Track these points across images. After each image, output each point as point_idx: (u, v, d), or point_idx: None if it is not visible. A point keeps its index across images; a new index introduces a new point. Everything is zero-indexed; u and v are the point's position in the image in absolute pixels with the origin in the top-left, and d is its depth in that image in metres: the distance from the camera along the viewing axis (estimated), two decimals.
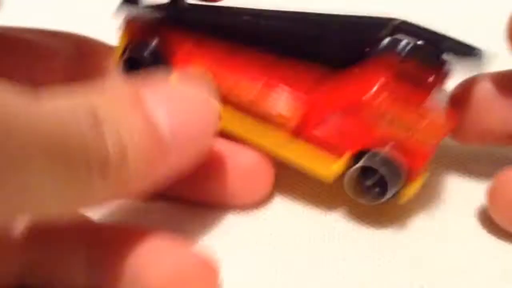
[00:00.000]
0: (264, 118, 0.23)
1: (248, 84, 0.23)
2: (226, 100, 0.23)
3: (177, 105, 0.20)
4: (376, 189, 0.22)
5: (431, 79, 0.22)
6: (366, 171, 0.22)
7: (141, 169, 0.18)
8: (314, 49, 0.23)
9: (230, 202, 0.24)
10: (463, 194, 0.25)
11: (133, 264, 0.20)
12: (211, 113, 0.21)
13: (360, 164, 0.21)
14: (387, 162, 0.21)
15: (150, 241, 0.20)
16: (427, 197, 0.25)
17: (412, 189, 0.22)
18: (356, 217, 0.24)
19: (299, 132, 0.22)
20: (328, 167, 0.22)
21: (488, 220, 0.23)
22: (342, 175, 0.22)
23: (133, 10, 0.24)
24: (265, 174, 0.24)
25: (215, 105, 0.21)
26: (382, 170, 0.21)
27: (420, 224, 0.24)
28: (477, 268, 0.22)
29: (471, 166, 0.26)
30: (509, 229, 0.23)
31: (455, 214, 0.24)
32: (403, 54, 0.21)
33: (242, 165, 0.24)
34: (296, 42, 0.23)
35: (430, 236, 0.23)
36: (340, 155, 0.22)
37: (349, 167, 0.22)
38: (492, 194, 0.23)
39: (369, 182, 0.21)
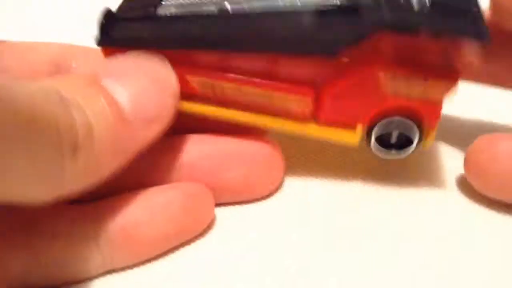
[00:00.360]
0: (276, 113, 0.24)
1: (252, 88, 0.23)
2: (233, 101, 0.23)
3: (133, 81, 0.21)
4: (398, 146, 0.24)
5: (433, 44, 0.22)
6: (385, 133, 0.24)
7: (108, 144, 0.19)
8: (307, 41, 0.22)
9: (243, 195, 0.25)
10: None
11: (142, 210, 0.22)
12: (167, 81, 0.22)
13: (379, 132, 0.24)
14: (404, 124, 0.23)
15: (148, 189, 0.22)
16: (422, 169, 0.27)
17: (431, 140, 0.24)
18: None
19: (314, 117, 0.24)
20: (351, 135, 0.24)
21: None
22: (364, 141, 0.24)
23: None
24: (277, 165, 0.25)
25: (169, 73, 0.22)
26: (402, 130, 0.24)
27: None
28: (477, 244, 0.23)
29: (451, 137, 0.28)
30: (486, 194, 0.24)
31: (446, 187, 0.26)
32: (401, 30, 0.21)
33: (256, 156, 0.24)
34: (288, 39, 0.22)
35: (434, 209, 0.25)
36: (357, 124, 0.24)
37: (368, 133, 0.24)
38: (467, 162, 0.24)
39: (392, 141, 0.24)
